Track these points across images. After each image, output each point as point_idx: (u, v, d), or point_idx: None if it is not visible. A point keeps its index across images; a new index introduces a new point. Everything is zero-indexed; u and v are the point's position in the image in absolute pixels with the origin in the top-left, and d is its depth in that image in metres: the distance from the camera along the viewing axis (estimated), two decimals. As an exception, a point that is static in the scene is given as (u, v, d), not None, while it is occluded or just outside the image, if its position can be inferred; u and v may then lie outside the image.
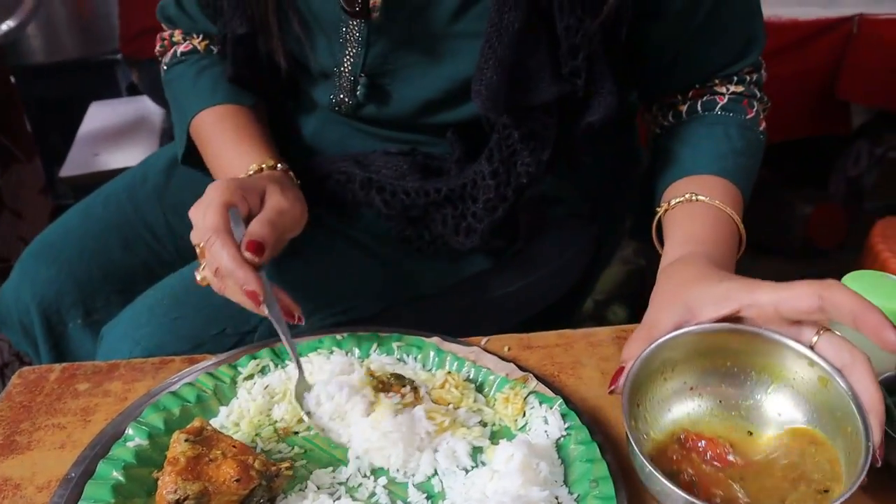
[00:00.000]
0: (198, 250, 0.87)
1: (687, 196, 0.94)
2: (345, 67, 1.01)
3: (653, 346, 0.75)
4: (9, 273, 1.26)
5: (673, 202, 0.95)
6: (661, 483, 0.66)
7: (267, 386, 0.86)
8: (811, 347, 0.72)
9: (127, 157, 2.26)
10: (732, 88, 1.04)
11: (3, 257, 1.68)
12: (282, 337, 0.83)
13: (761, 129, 1.06)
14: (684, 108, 1.07)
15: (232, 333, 1.00)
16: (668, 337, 0.75)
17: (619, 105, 0.95)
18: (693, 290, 0.76)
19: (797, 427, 0.76)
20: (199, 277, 0.88)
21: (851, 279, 0.89)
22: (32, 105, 3.11)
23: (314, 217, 1.09)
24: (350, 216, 1.10)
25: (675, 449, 0.76)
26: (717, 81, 1.05)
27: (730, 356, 0.77)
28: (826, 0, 2.36)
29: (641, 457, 0.68)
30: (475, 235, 1.02)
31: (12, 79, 3.03)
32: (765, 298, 0.71)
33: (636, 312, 2.17)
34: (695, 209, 0.93)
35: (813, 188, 2.61)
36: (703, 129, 1.04)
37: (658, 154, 1.09)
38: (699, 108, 1.05)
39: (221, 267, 0.82)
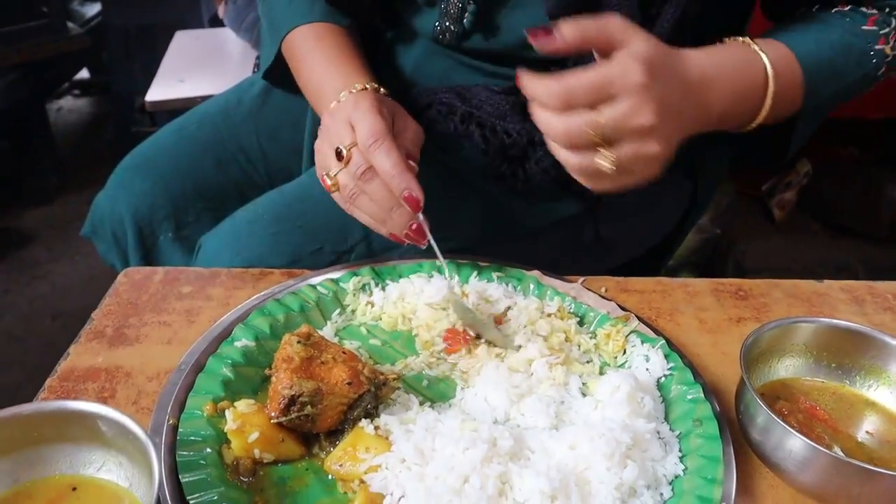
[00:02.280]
0: (319, 155, 0.88)
1: (731, 39, 0.89)
2: None
3: (764, 330, 0.76)
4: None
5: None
6: (764, 413, 0.67)
7: (368, 302, 0.87)
8: None
9: (209, 85, 2.28)
10: (864, 10, 0.95)
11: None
12: (433, 243, 0.85)
13: (878, 46, 0.95)
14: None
15: (329, 252, 1.01)
16: (777, 324, 0.77)
17: None
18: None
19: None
20: (328, 182, 0.87)
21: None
22: (119, 33, 3.17)
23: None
24: (449, 148, 1.09)
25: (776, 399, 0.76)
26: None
27: (837, 355, 0.79)
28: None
29: (752, 390, 0.68)
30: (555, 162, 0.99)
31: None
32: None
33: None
34: (726, 44, 0.89)
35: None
36: (806, 18, 0.96)
37: None
38: (814, 9, 0.98)
39: (384, 171, 0.81)
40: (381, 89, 1.00)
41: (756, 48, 0.87)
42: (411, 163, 0.84)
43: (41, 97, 3.48)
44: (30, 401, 0.74)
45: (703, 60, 0.81)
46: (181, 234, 1.26)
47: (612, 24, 0.72)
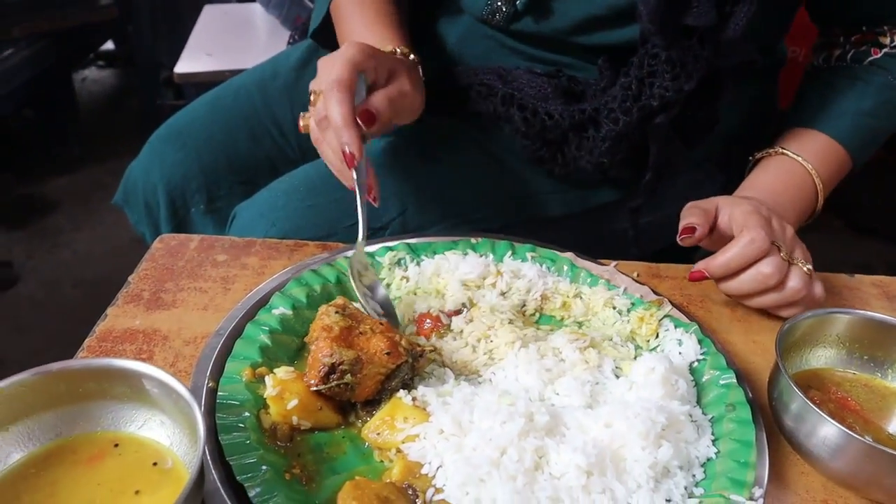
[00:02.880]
0: (312, 97, 0.89)
1: (773, 150, 1.04)
2: None
3: (800, 318, 0.76)
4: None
5: (758, 155, 1.06)
6: (799, 399, 0.67)
7: (403, 277, 0.88)
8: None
9: (237, 59, 2.28)
10: None
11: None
12: (358, 203, 0.84)
13: None
14: (836, 52, 1.07)
15: (363, 227, 1.02)
16: (813, 314, 0.78)
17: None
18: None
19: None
20: (301, 123, 0.90)
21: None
22: (146, 5, 3.18)
23: (451, 126, 1.08)
24: (487, 128, 1.09)
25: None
26: (886, 28, 1.02)
27: (870, 347, 0.79)
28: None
29: (787, 376, 0.68)
30: (597, 151, 1.00)
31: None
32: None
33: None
34: (772, 162, 1.03)
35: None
36: (840, 82, 1.05)
37: (798, 90, 1.13)
38: (848, 59, 1.06)
39: (331, 120, 0.81)
40: (413, 56, 1.01)
41: (798, 159, 1.01)
42: (359, 119, 0.82)
43: (67, 66, 3.50)
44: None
45: (761, 191, 0.98)
46: (213, 206, 1.27)
47: (702, 204, 0.93)
